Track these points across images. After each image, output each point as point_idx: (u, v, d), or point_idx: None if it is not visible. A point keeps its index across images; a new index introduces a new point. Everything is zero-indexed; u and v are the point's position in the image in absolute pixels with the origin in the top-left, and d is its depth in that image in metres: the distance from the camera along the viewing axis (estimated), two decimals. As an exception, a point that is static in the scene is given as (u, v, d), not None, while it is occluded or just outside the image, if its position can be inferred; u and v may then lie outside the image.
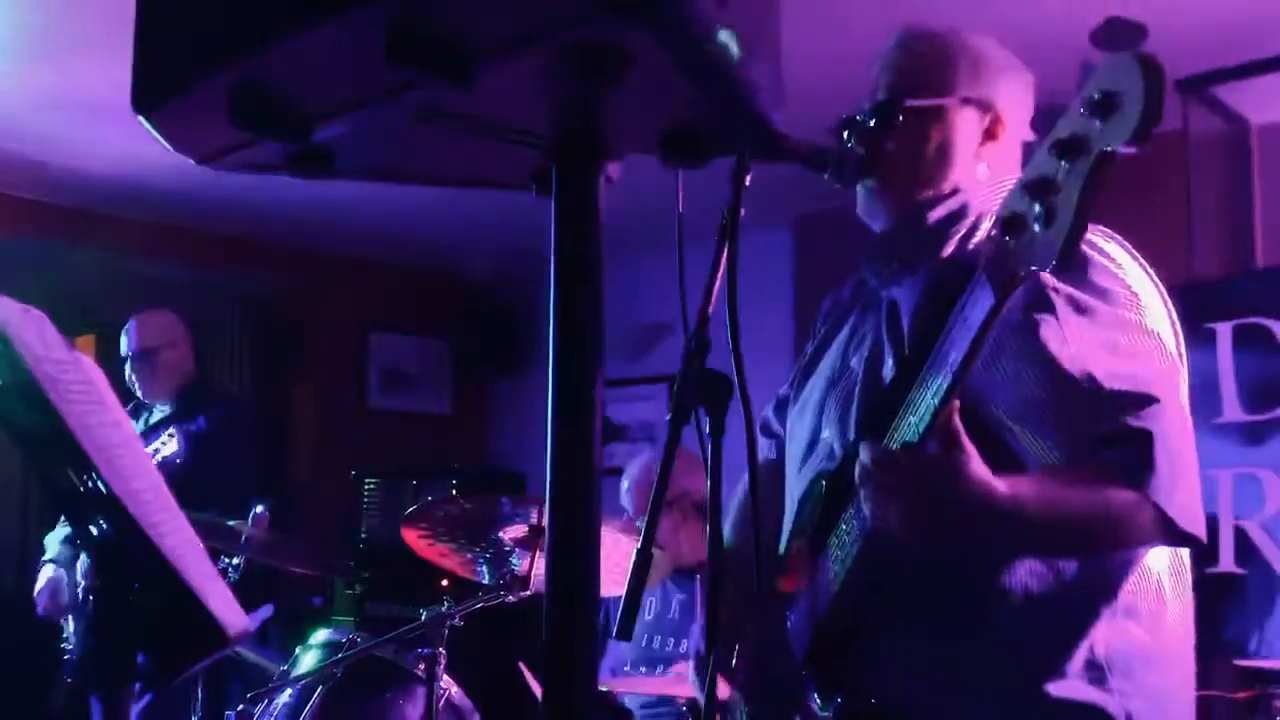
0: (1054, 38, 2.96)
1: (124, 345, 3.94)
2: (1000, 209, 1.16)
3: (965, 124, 1.59)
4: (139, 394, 3.95)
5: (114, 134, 4.22)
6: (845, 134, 1.57)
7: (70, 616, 3.81)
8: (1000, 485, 1.28)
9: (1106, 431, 1.35)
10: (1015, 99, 1.62)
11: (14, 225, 5.20)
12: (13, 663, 5.21)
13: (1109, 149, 1.05)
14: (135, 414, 4.05)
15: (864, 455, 1.30)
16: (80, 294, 6.15)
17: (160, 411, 3.99)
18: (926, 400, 1.26)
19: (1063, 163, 1.08)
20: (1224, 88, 3.76)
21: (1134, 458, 1.32)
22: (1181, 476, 1.35)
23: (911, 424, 1.29)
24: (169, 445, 3.73)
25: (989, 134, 1.60)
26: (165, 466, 3.69)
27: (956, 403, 1.24)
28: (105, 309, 6.40)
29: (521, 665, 2.91)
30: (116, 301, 6.37)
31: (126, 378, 3.93)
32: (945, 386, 1.22)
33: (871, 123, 1.57)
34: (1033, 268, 1.11)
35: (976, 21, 1.69)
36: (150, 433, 3.93)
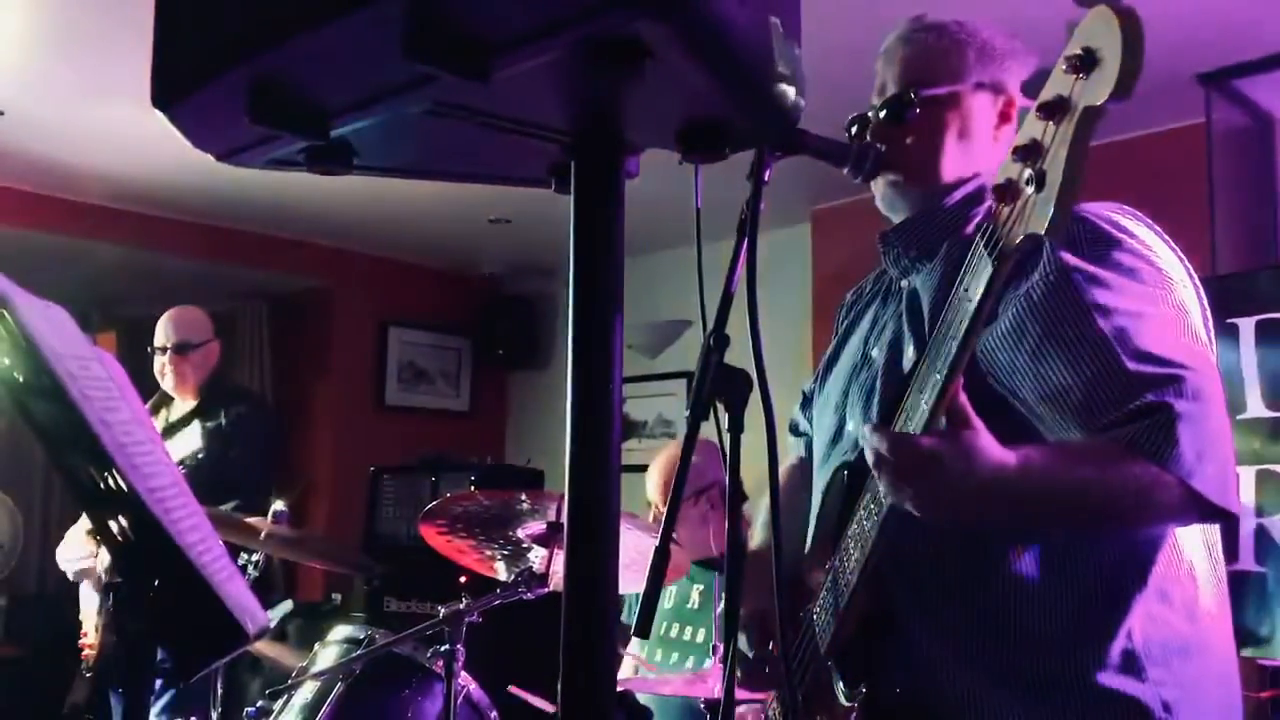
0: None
1: (159, 337, 3.99)
2: (995, 177, 1.14)
3: (980, 108, 1.59)
4: (167, 386, 4.00)
5: (135, 131, 4.24)
6: (859, 130, 1.57)
7: (91, 614, 3.84)
8: (1012, 458, 1.26)
9: (1128, 409, 1.32)
10: (1023, 82, 1.62)
11: (36, 222, 5.23)
12: (34, 660, 5.26)
13: (1092, 105, 1.03)
14: (156, 408, 4.10)
15: (872, 438, 1.29)
16: (101, 290, 6.19)
17: (183, 407, 4.03)
18: (933, 377, 1.25)
19: (1050, 124, 1.06)
20: (1246, 81, 3.74)
21: (1154, 432, 1.29)
22: (1210, 450, 1.30)
23: (920, 402, 1.28)
24: (192, 441, 3.76)
25: (1003, 116, 1.61)
26: (188, 462, 3.73)
27: (961, 379, 1.22)
28: (126, 305, 6.45)
29: (513, 688, 2.91)
30: (137, 298, 6.43)
31: (156, 369, 3.98)
32: (949, 362, 1.21)
33: (887, 116, 1.56)
34: (1027, 234, 1.10)
35: (978, 12, 1.67)
36: (173, 428, 3.97)
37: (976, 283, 1.17)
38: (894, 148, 1.56)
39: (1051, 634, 1.43)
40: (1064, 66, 1.04)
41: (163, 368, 3.96)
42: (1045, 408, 1.39)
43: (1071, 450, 1.35)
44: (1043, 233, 1.07)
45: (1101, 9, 1.02)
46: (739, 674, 1.69)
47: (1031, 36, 1.63)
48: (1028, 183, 1.07)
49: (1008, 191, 1.11)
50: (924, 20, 1.65)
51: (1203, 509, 1.32)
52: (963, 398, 1.23)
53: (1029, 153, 1.08)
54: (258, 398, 4.25)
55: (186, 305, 4.11)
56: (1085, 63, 1.03)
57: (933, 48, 1.61)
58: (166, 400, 4.09)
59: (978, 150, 1.59)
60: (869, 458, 1.30)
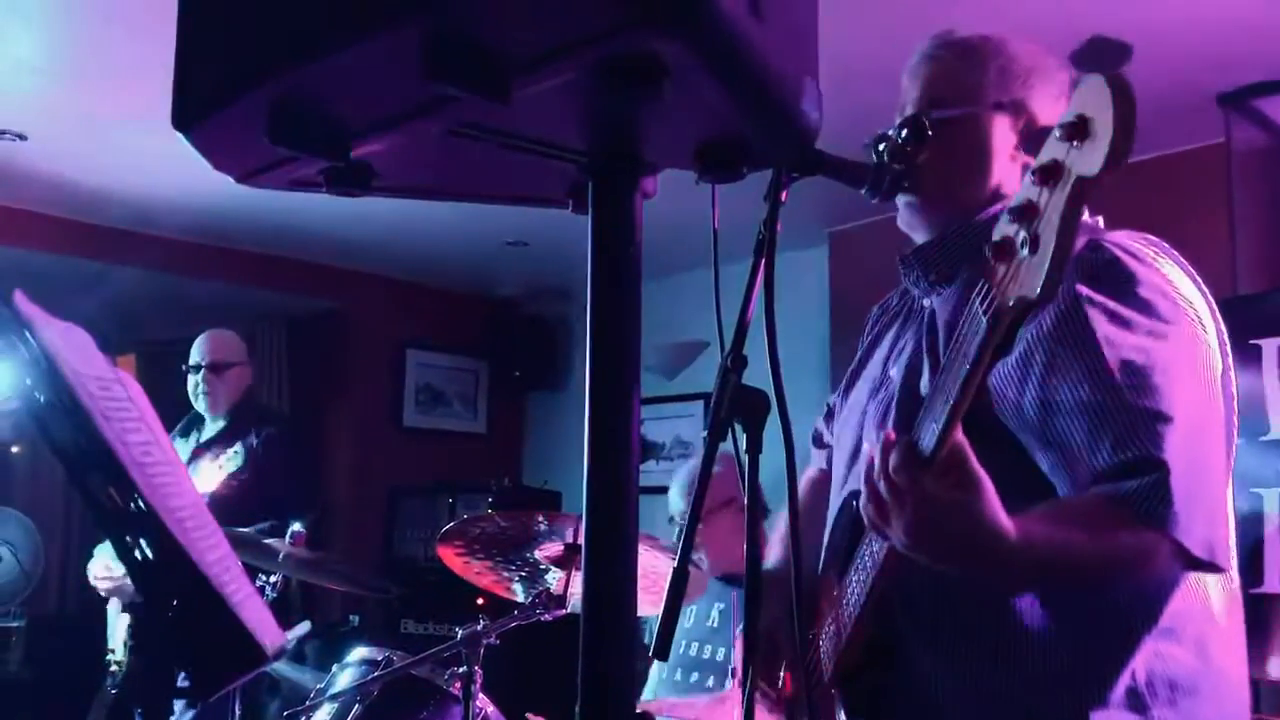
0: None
1: (195, 356, 4.08)
2: (994, 233, 1.14)
3: (998, 130, 1.57)
4: (200, 406, 4.08)
5: (154, 155, 4.28)
6: (879, 149, 1.56)
7: (119, 632, 3.85)
8: (1009, 530, 1.22)
9: (1126, 459, 1.31)
10: (1051, 99, 1.58)
11: (57, 245, 5.28)
12: (54, 681, 5.27)
13: (1084, 176, 1.02)
14: (187, 429, 4.16)
15: (872, 478, 1.24)
16: (121, 313, 6.23)
17: (213, 427, 4.10)
18: (931, 429, 1.21)
19: (1045, 189, 1.06)
20: (1266, 101, 3.72)
21: (1149, 492, 1.28)
22: (1199, 504, 1.30)
23: (926, 431, 1.23)
24: (233, 460, 3.80)
25: (1023, 136, 1.57)
26: (219, 482, 3.78)
27: (959, 426, 1.18)
28: (146, 328, 6.49)
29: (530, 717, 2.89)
30: (158, 321, 6.47)
31: (189, 388, 4.07)
32: (945, 417, 1.17)
33: (903, 137, 1.56)
34: (1019, 296, 1.09)
35: (1004, 24, 1.67)
36: (204, 447, 4.03)
37: (971, 342, 1.16)
38: (910, 168, 1.56)
39: (1056, 670, 1.41)
40: (1059, 133, 1.04)
41: (197, 386, 4.05)
42: (1048, 444, 1.38)
43: (1072, 516, 1.33)
44: (1034, 297, 1.06)
45: (1095, 79, 1.00)
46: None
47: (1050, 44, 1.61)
48: (1022, 245, 1.07)
49: (1003, 250, 1.10)
50: (950, 35, 1.63)
51: (1191, 564, 1.32)
52: (962, 441, 1.19)
53: (1024, 214, 1.07)
54: (287, 419, 4.30)
55: (220, 328, 4.20)
56: (1079, 131, 1.02)
57: (952, 66, 1.60)
58: (198, 421, 4.15)
59: (995, 171, 1.57)
60: (862, 497, 1.27)
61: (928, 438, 1.19)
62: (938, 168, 1.56)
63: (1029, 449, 1.41)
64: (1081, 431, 1.35)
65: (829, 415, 1.93)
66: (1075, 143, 1.02)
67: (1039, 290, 1.04)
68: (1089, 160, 1.01)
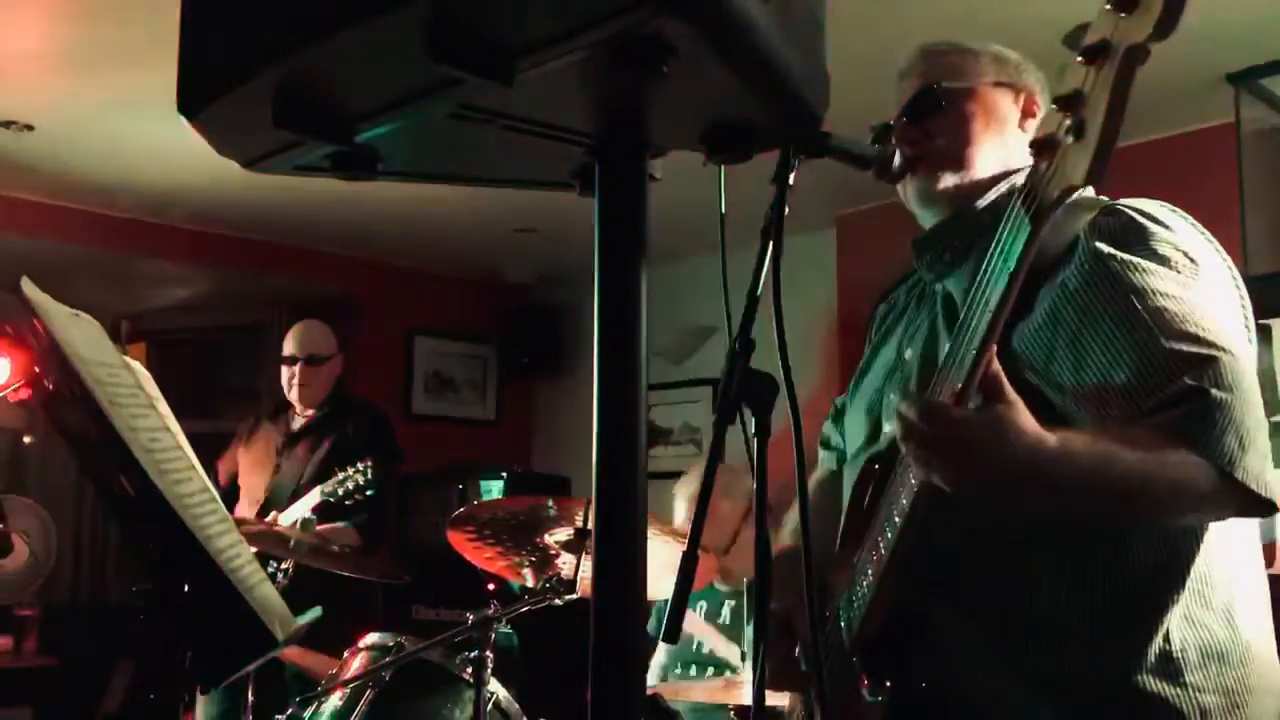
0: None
1: (290, 348, 4.12)
2: (1035, 135, 1.12)
3: (1001, 101, 1.61)
4: (292, 397, 4.11)
5: (161, 144, 4.28)
6: (883, 138, 1.57)
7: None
8: (1050, 438, 1.23)
9: (1168, 394, 1.29)
10: (1043, 87, 1.64)
11: (65, 234, 5.28)
12: (68, 670, 5.30)
13: (1134, 43, 1.00)
14: (274, 416, 4.22)
15: (904, 409, 1.25)
16: (131, 301, 6.25)
17: (302, 418, 4.14)
18: (968, 352, 1.22)
19: (1092, 69, 1.04)
20: (1276, 80, 3.70)
21: (1193, 420, 1.26)
22: (1250, 440, 1.27)
23: (954, 375, 1.25)
24: (316, 453, 3.91)
25: (1026, 112, 1.62)
26: (307, 474, 3.88)
27: (994, 351, 1.19)
28: (156, 317, 6.50)
29: None
30: (167, 309, 6.48)
31: (284, 379, 4.10)
32: (985, 327, 1.18)
33: (912, 114, 1.58)
34: (1064, 186, 1.07)
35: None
36: (296, 438, 4.08)
37: (1014, 244, 1.14)
38: (921, 147, 1.57)
39: (1085, 634, 1.40)
40: (1107, 5, 1.02)
41: (292, 378, 4.08)
42: (1084, 395, 1.37)
43: (1111, 434, 1.30)
44: (1079, 183, 1.04)
45: None
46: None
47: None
48: (1067, 132, 1.05)
49: (1046, 145, 1.08)
50: (938, 43, 1.68)
51: (1243, 500, 1.29)
52: (997, 368, 1.20)
53: (1070, 102, 1.05)
54: (378, 411, 4.33)
55: (312, 320, 4.24)
56: (1126, 2, 1.01)
57: (948, 59, 1.64)
58: (285, 409, 4.19)
59: (1006, 141, 1.60)
60: (898, 431, 1.27)
61: (965, 365, 1.19)
62: (948, 141, 1.59)
63: (1064, 411, 1.39)
64: (1122, 377, 1.33)
65: (837, 417, 1.92)
66: (1122, 13, 1.01)
67: (1084, 173, 1.02)
68: (1138, 27, 0.99)
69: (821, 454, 1.98)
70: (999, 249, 1.19)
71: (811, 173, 1.39)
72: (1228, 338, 1.33)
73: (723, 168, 1.11)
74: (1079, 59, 1.05)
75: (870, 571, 1.47)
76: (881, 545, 1.44)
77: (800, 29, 0.81)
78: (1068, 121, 1.05)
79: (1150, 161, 3.66)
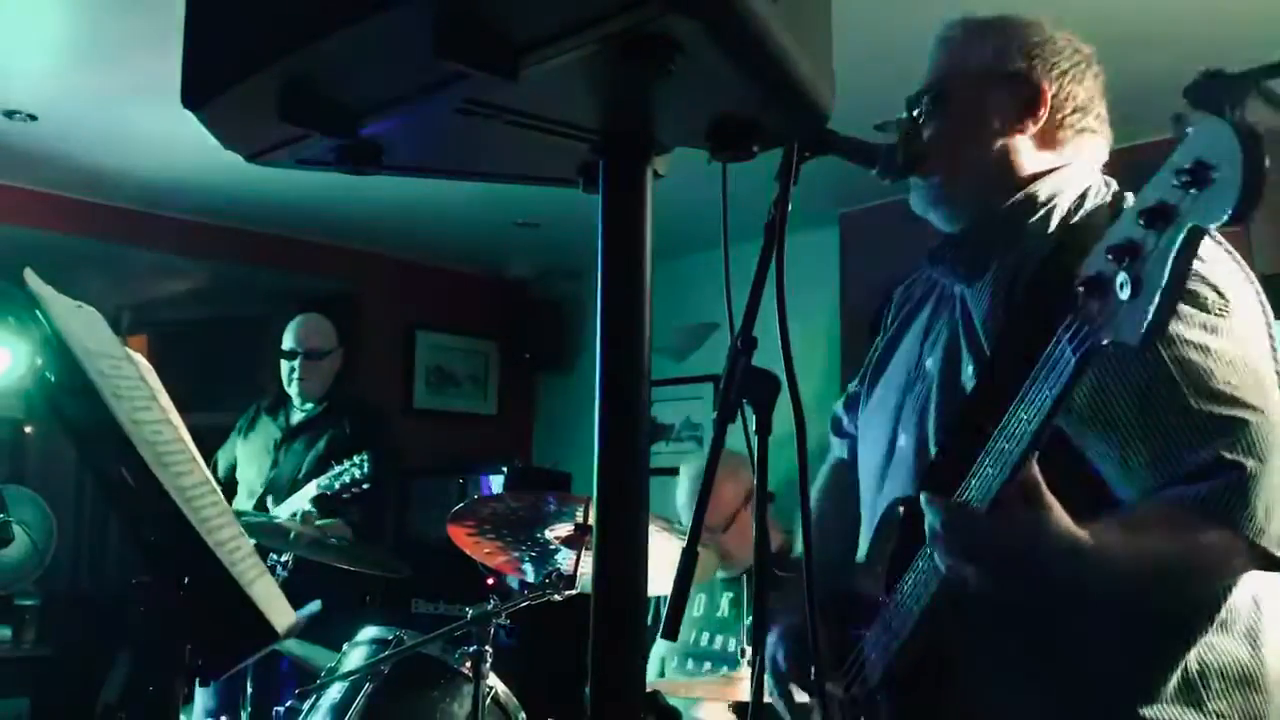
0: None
1: (290, 341, 4.12)
2: (1084, 268, 1.09)
3: (993, 100, 1.57)
4: (292, 391, 4.11)
5: (165, 135, 4.28)
6: (888, 133, 1.57)
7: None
8: (1085, 540, 1.23)
9: (1198, 463, 1.29)
10: (1060, 72, 1.57)
11: (68, 225, 5.28)
12: (67, 660, 5.31)
13: (1202, 225, 0.97)
14: (273, 409, 4.20)
15: (931, 518, 1.26)
16: (133, 293, 6.24)
17: (301, 412, 4.14)
18: (1006, 453, 1.21)
19: (1150, 232, 1.00)
20: (1278, 81, 3.68)
21: (1226, 494, 1.27)
22: (1276, 506, 1.29)
23: (989, 476, 1.24)
24: (314, 447, 3.92)
25: (1030, 108, 1.57)
26: (305, 468, 3.90)
27: (1034, 455, 1.18)
28: (158, 309, 6.50)
29: None
30: (169, 301, 6.48)
31: (284, 373, 4.10)
32: (1020, 451, 1.17)
33: (910, 113, 1.58)
34: (1117, 341, 1.05)
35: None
36: (295, 432, 4.09)
37: (1057, 376, 1.13)
38: (918, 146, 1.56)
39: (1112, 665, 1.39)
40: (1173, 180, 0.98)
41: (292, 372, 4.08)
42: (1109, 441, 1.36)
43: (1146, 523, 1.31)
44: (1135, 344, 1.02)
45: (1218, 124, 0.95)
46: (775, 683, 1.67)
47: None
48: (1122, 286, 1.03)
49: (1098, 287, 1.06)
50: (965, 17, 1.64)
51: (1263, 561, 1.31)
52: (1036, 472, 1.19)
53: (1124, 253, 1.02)
54: (376, 409, 4.34)
55: (313, 315, 4.24)
56: (1197, 178, 0.97)
57: (955, 44, 1.62)
58: (283, 402, 4.18)
59: (996, 140, 1.57)
60: (928, 534, 1.28)
61: (991, 483, 1.20)
62: (940, 140, 1.57)
63: (1087, 454, 1.38)
64: (1147, 437, 1.33)
65: (849, 403, 1.91)
66: (1191, 188, 0.97)
67: (1141, 337, 1.00)
68: (1209, 211, 0.96)
69: (833, 440, 1.97)
70: (1043, 369, 1.17)
71: (815, 169, 1.39)
72: (1258, 393, 1.32)
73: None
74: (1136, 214, 1.02)
75: (900, 619, 1.46)
76: (911, 597, 1.43)
77: (808, 27, 0.81)
78: (1123, 274, 1.02)
79: (1156, 161, 3.65)
